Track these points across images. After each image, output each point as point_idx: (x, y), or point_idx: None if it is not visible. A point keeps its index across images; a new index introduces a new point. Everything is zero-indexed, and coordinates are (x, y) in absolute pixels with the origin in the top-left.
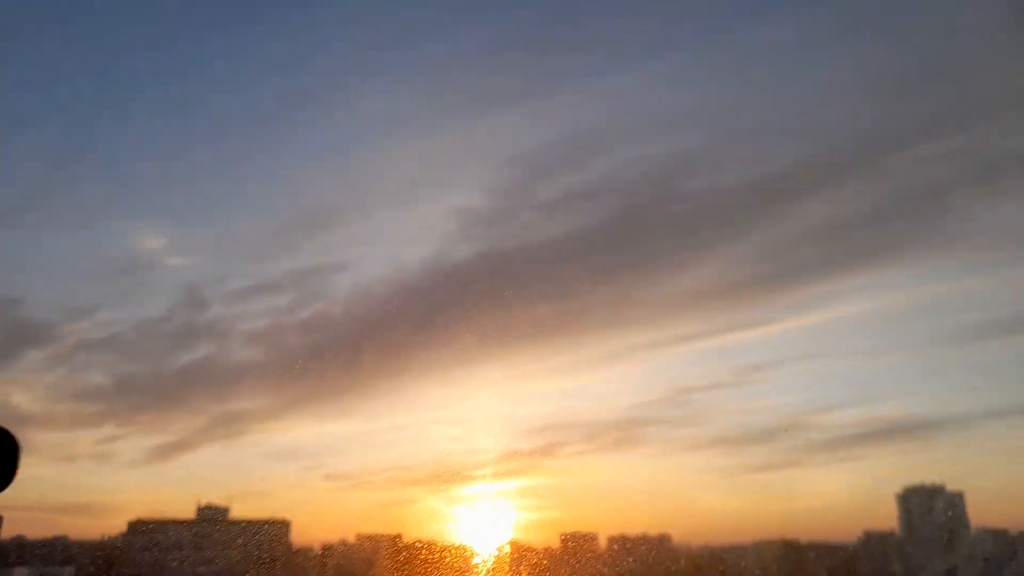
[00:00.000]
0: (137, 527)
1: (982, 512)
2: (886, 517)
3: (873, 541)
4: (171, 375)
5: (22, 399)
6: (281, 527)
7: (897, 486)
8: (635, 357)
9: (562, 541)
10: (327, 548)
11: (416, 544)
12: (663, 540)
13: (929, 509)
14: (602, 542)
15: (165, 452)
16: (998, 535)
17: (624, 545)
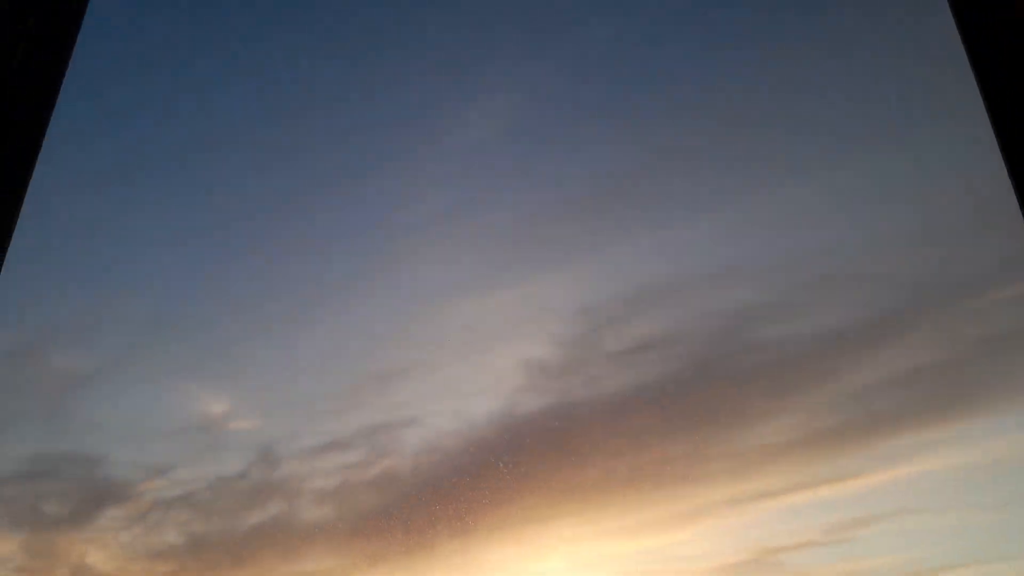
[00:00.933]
0: None
1: None
2: None
3: None
4: (242, 534)
5: (97, 557)
6: None
7: None
8: (714, 514)
9: None
10: None
11: None
12: None
13: None
14: None
15: None
16: None
17: None
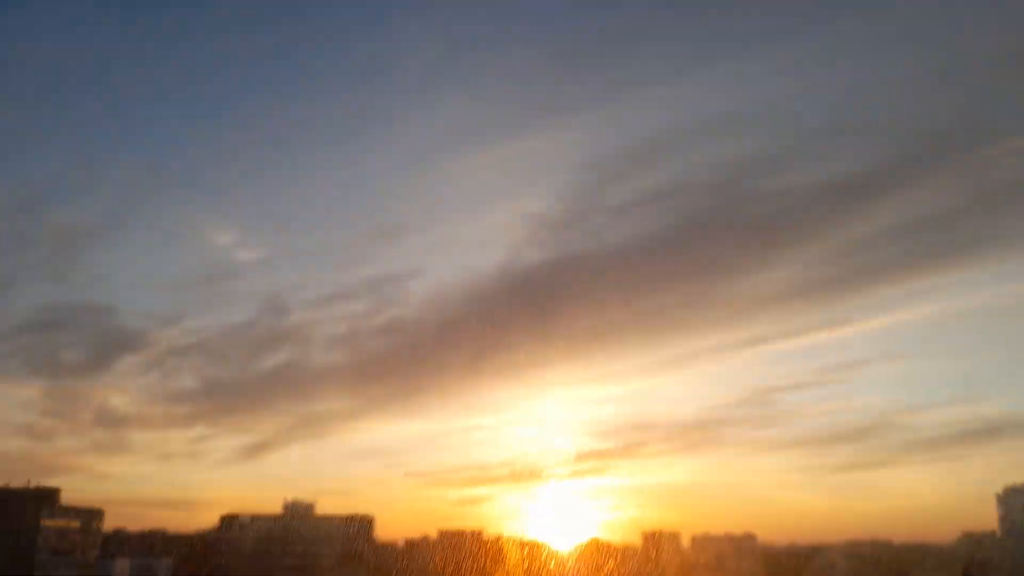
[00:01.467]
0: (228, 521)
1: None
2: (986, 518)
3: (972, 542)
4: (256, 378)
5: (119, 401)
6: (365, 523)
7: (997, 487)
8: (711, 358)
9: (644, 539)
10: (410, 543)
11: (498, 540)
12: (747, 539)
13: None
14: (685, 541)
15: (252, 451)
16: None
17: (708, 544)
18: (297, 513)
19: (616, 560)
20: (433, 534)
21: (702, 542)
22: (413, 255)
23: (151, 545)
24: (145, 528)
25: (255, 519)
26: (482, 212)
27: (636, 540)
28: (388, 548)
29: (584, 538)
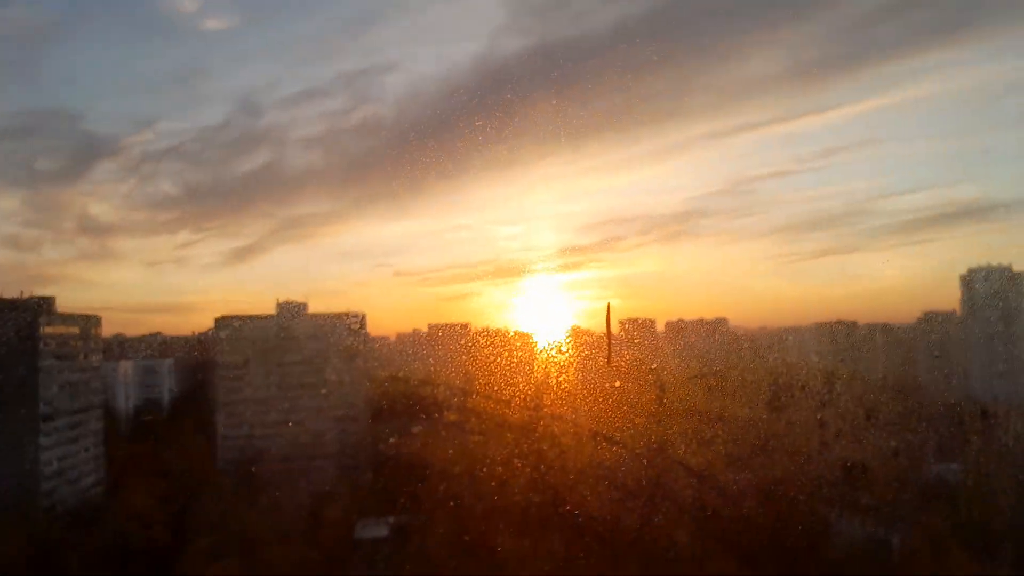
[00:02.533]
0: (223, 322)
1: None
2: (949, 300)
3: (933, 321)
4: (235, 182)
5: (100, 209)
6: (357, 319)
7: (962, 269)
8: (695, 148)
9: (621, 326)
10: (401, 337)
11: (484, 331)
12: (719, 323)
13: (993, 289)
14: (660, 327)
15: (240, 255)
16: None
17: (682, 328)
18: (291, 312)
19: (593, 345)
20: (423, 328)
21: (676, 327)
22: (387, 47)
23: (150, 348)
24: (143, 333)
25: (250, 319)
26: None
27: (616, 327)
28: (381, 341)
29: (566, 328)
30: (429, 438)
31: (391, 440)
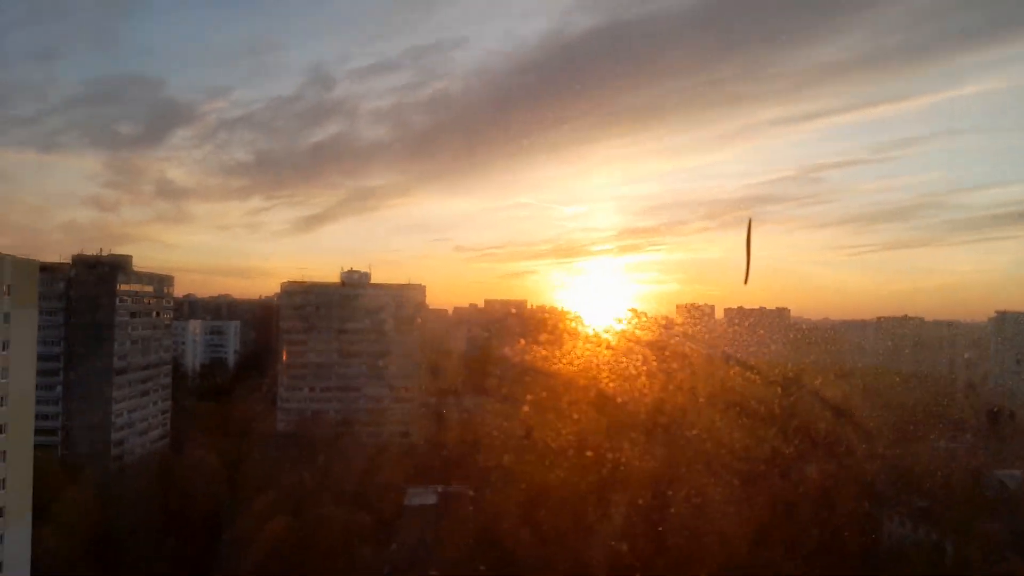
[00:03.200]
0: (290, 288)
1: None
2: (1021, 299)
3: (1006, 321)
4: (305, 152)
5: (176, 174)
6: (418, 291)
7: None
8: (763, 134)
9: (678, 311)
10: (459, 311)
11: (540, 309)
12: (780, 313)
13: None
14: (719, 314)
15: (308, 223)
16: None
17: (741, 316)
18: (354, 281)
19: (652, 328)
20: (480, 303)
21: (734, 315)
22: (456, 23)
23: (218, 309)
24: (212, 294)
25: (315, 286)
26: None
27: (673, 312)
28: (439, 313)
29: (623, 311)
30: (482, 411)
31: (444, 411)
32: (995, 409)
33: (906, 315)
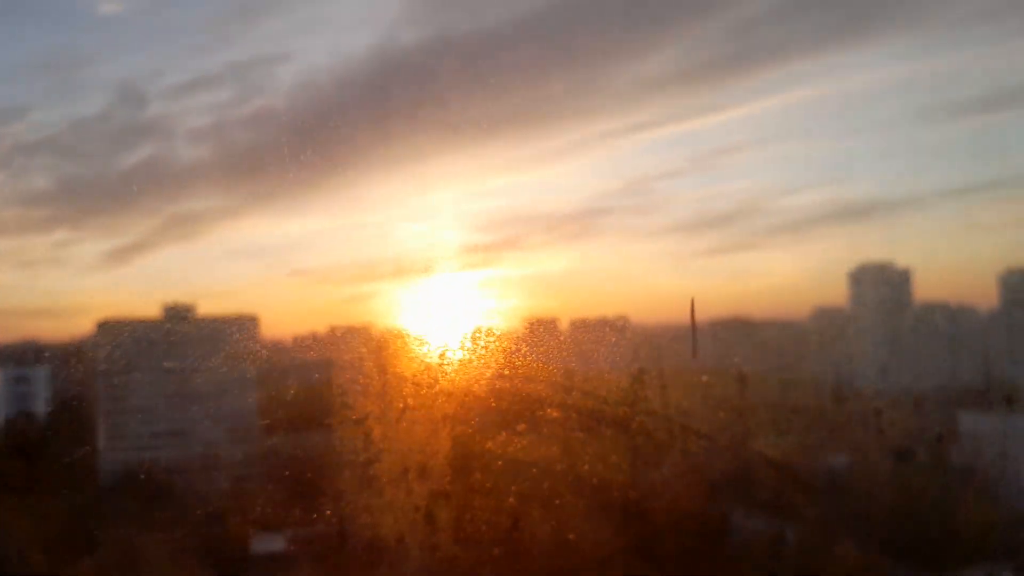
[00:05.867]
0: (105, 327)
1: (929, 287)
2: (839, 296)
3: (823, 317)
4: (117, 176)
5: None
6: (250, 322)
7: (851, 265)
8: (596, 147)
9: (525, 325)
10: (298, 339)
11: (386, 333)
12: (621, 320)
13: (878, 285)
14: (563, 325)
15: (123, 255)
16: (940, 307)
17: (585, 327)
18: (177, 315)
19: (498, 343)
20: (321, 330)
21: (579, 325)
22: (279, 37)
23: (24, 355)
24: (15, 339)
25: (133, 324)
26: None
27: (518, 326)
28: (275, 345)
29: (470, 327)
30: (330, 445)
31: (285, 449)
32: (820, 399)
33: (736, 316)
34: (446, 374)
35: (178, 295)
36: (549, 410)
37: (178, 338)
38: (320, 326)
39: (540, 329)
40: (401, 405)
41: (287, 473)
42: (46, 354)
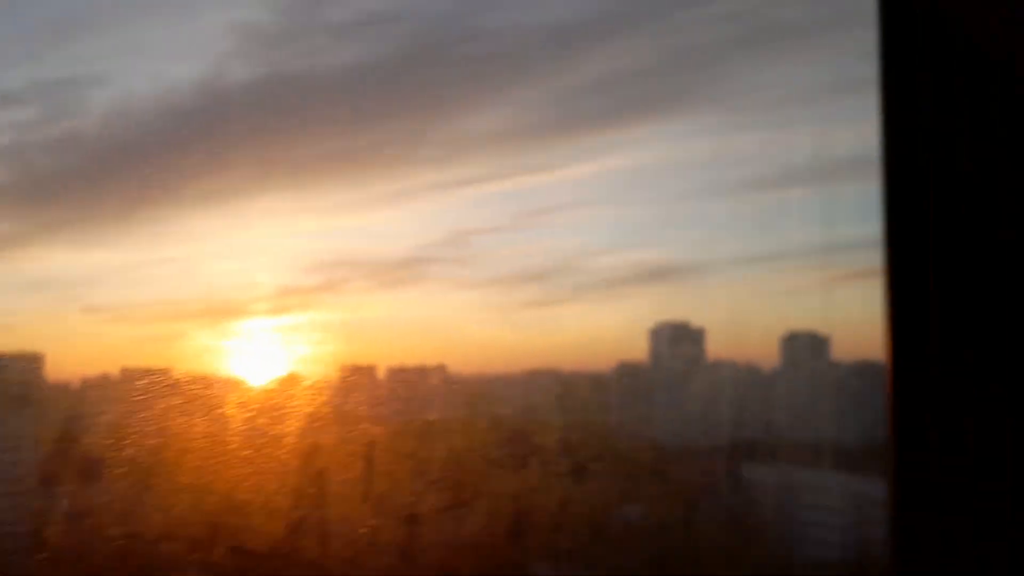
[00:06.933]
0: None
1: (720, 346)
2: (640, 351)
3: (625, 371)
4: None
5: None
6: (32, 361)
7: (652, 323)
8: (423, 197)
9: (340, 372)
10: (88, 382)
11: (188, 378)
12: (439, 370)
13: (674, 343)
14: (380, 373)
15: None
16: (729, 365)
17: (402, 375)
18: None
19: (311, 392)
20: (114, 373)
21: (396, 373)
22: (95, 59)
23: None
24: None
25: None
26: (180, 16)
27: (334, 374)
28: (60, 388)
29: (282, 374)
30: (113, 497)
31: (70, 503)
32: (617, 449)
33: (548, 367)
34: (246, 424)
35: None
36: (319, 460)
37: None
38: (113, 367)
39: (357, 376)
40: (179, 459)
41: (71, 529)
42: None
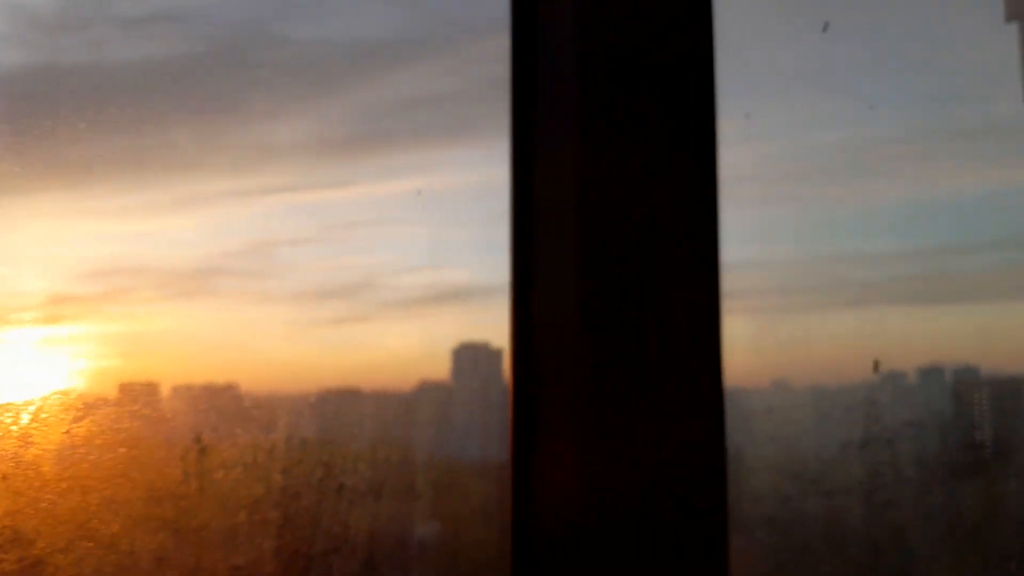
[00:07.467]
0: None
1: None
2: (442, 371)
3: (427, 390)
4: None
5: None
6: None
7: (453, 344)
8: (218, 204)
9: (119, 389)
10: None
11: None
12: (229, 388)
13: (474, 363)
14: (164, 390)
15: None
16: None
17: (187, 393)
18: None
19: (83, 412)
20: None
21: (182, 392)
22: None
23: None
24: None
25: None
26: None
27: (112, 391)
28: None
29: (53, 390)
30: None
31: None
32: (416, 469)
33: (347, 387)
34: (10, 445)
35: None
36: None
37: None
38: None
39: (138, 394)
40: None
41: None
42: None
